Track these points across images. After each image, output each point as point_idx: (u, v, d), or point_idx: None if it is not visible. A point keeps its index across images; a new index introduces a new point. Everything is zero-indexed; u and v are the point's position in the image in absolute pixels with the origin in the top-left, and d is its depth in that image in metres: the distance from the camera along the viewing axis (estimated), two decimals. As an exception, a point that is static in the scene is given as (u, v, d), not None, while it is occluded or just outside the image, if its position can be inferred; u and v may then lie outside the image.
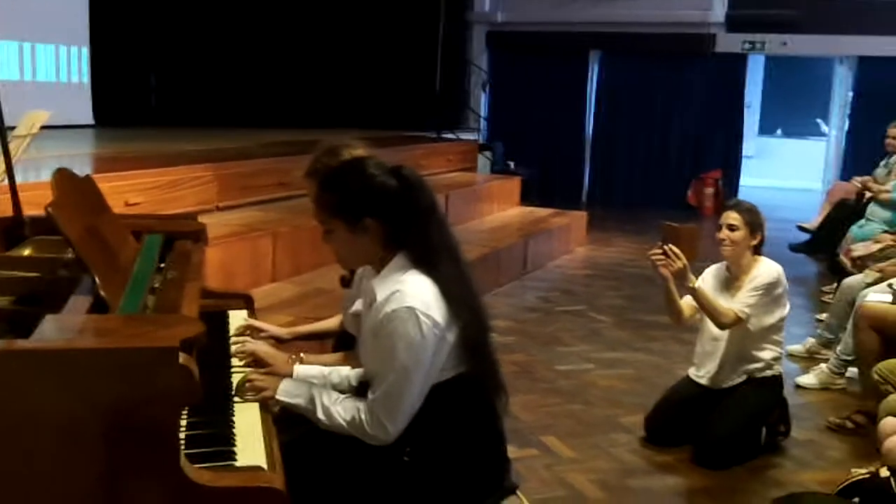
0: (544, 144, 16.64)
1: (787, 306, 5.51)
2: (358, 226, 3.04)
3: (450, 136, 14.73)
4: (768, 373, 5.48)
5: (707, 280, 5.56)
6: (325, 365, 3.47)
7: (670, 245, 5.25)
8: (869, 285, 6.60)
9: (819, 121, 19.21)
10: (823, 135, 18.07)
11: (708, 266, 5.68)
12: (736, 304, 5.32)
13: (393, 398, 2.99)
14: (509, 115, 17.09)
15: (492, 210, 11.84)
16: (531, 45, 16.62)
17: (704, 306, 5.32)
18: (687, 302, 5.50)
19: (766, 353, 5.45)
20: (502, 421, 3.33)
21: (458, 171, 13.07)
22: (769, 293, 5.33)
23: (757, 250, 5.45)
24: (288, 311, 6.33)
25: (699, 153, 15.98)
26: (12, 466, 2.19)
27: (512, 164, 15.67)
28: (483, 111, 17.24)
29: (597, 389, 6.54)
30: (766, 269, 5.37)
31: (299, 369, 3.34)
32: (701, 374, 5.59)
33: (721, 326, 5.34)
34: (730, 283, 5.50)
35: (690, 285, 5.28)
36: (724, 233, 5.37)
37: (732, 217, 5.38)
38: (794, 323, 5.63)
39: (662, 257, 5.27)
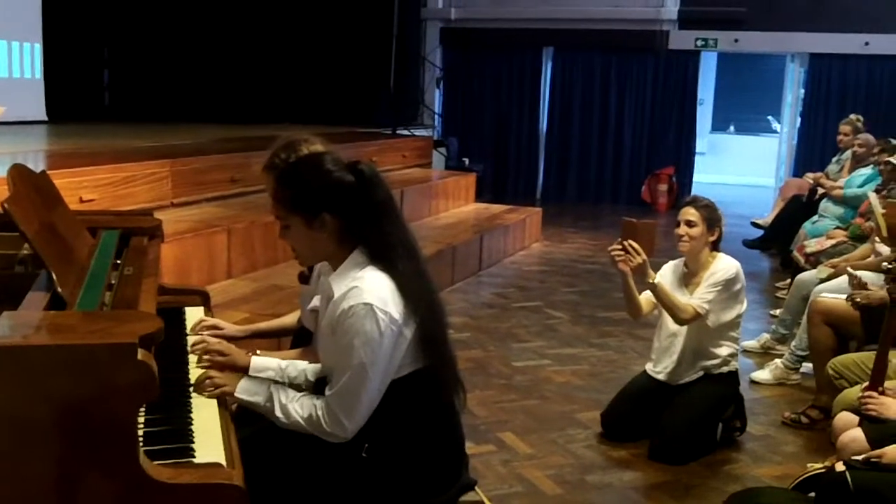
0: (498, 140, 16.68)
1: (745, 303, 5.54)
2: (315, 221, 3.04)
3: (404, 132, 14.70)
4: (725, 369, 5.51)
5: (665, 276, 5.56)
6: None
7: (629, 241, 5.27)
8: (822, 281, 6.65)
9: (770, 118, 19.27)
10: (775, 132, 18.17)
11: (664, 262, 5.70)
12: (694, 299, 5.34)
13: (350, 395, 2.98)
14: (463, 112, 17.15)
15: (447, 206, 11.84)
16: (485, 41, 16.64)
17: (664, 302, 5.34)
18: (645, 297, 5.52)
19: (723, 350, 5.48)
20: (460, 417, 3.33)
21: (413, 168, 13.06)
22: (727, 289, 5.35)
23: (715, 246, 5.47)
24: (244, 307, 6.30)
25: (653, 150, 16.06)
26: (-32, 464, 2.17)
27: (466, 161, 15.70)
28: (437, 107, 17.23)
29: (553, 385, 6.55)
30: (724, 265, 5.39)
31: (256, 360, 3.32)
32: (658, 369, 5.60)
33: (680, 322, 5.36)
34: (687, 278, 5.52)
35: (650, 281, 5.29)
36: (683, 229, 5.38)
37: (690, 213, 5.39)
38: (749, 319, 5.67)
39: (622, 253, 5.28)
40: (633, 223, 5.41)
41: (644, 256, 5.24)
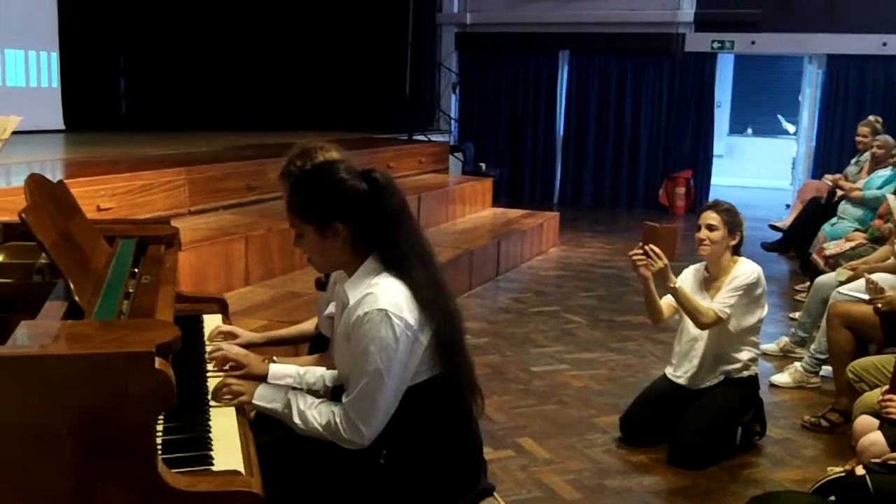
0: (515, 145, 16.63)
1: (766, 307, 5.52)
2: (328, 230, 3.03)
3: (421, 137, 14.72)
4: (745, 373, 5.48)
5: (686, 280, 5.54)
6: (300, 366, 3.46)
7: (651, 245, 5.25)
8: (842, 283, 6.62)
9: (780, 117, 19.04)
10: (787, 133, 18.04)
11: (683, 266, 5.68)
12: (716, 304, 5.31)
13: (367, 401, 2.97)
14: (479, 117, 17.16)
15: (464, 211, 11.85)
16: (500, 46, 16.66)
17: (685, 306, 5.31)
18: (666, 302, 5.50)
19: (744, 354, 5.45)
20: (477, 423, 3.32)
21: (430, 173, 13.08)
22: (749, 294, 5.32)
23: (736, 250, 5.44)
24: (261, 314, 6.31)
25: (670, 153, 16.02)
26: (-12, 473, 2.17)
27: (483, 166, 15.71)
28: (453, 113, 17.24)
29: (571, 390, 6.54)
30: (745, 270, 5.36)
31: (275, 368, 3.33)
32: (679, 373, 5.58)
33: (701, 326, 5.33)
34: (708, 283, 5.50)
35: (671, 285, 5.27)
36: (704, 233, 5.35)
37: (711, 217, 5.37)
38: (768, 322, 5.66)
39: (643, 257, 5.26)
40: (654, 227, 5.38)
41: (665, 261, 5.22)
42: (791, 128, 17.72)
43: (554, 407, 6.21)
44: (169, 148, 10.17)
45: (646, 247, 5.26)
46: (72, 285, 2.79)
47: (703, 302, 5.37)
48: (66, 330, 2.51)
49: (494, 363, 7.07)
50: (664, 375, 5.72)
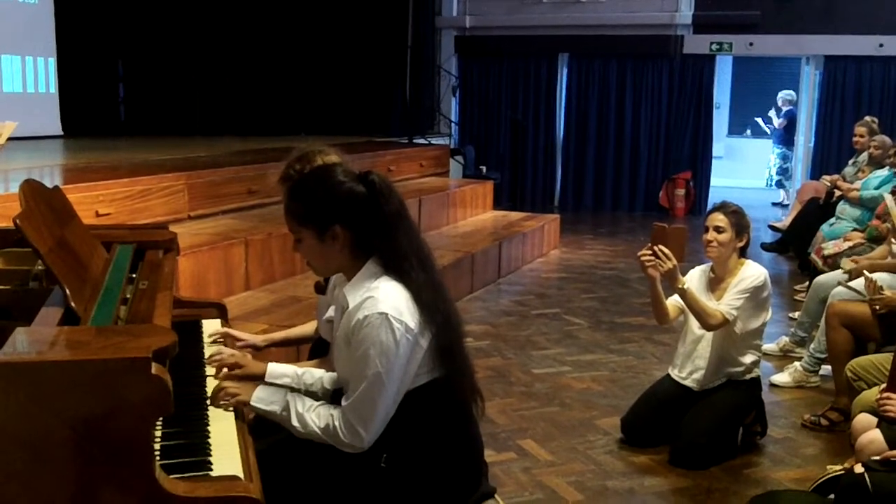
0: (515, 148, 16.59)
1: (770, 311, 5.51)
2: (327, 234, 3.03)
3: (421, 141, 14.71)
4: (748, 376, 5.47)
5: (692, 281, 5.51)
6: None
7: (659, 246, 5.23)
8: (846, 273, 6.61)
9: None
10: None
11: (688, 267, 5.67)
12: (723, 305, 5.30)
13: (367, 405, 2.97)
14: (480, 120, 17.15)
15: (465, 215, 11.84)
16: (500, 49, 16.67)
17: (693, 307, 5.29)
18: (672, 302, 5.49)
19: (748, 358, 5.45)
20: (478, 425, 3.32)
21: (431, 177, 13.07)
22: (755, 297, 5.32)
23: (743, 252, 5.44)
24: (262, 319, 6.30)
25: (669, 154, 16.02)
26: (-17, 481, 2.17)
27: (484, 169, 15.71)
28: (454, 116, 17.23)
29: (572, 392, 6.53)
30: (752, 272, 5.35)
31: (273, 367, 3.32)
32: (683, 374, 5.56)
33: (708, 328, 5.32)
34: (714, 284, 5.48)
35: (680, 286, 5.26)
36: (711, 234, 5.34)
37: (719, 219, 5.36)
38: (768, 322, 5.68)
39: (652, 258, 5.25)
40: (663, 228, 5.37)
41: (675, 261, 5.21)
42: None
43: (555, 409, 6.20)
44: (168, 153, 10.16)
45: (655, 247, 5.25)
46: (68, 291, 2.79)
47: (709, 303, 5.37)
48: (62, 336, 2.51)
49: (496, 366, 7.07)
50: (666, 376, 5.72)
